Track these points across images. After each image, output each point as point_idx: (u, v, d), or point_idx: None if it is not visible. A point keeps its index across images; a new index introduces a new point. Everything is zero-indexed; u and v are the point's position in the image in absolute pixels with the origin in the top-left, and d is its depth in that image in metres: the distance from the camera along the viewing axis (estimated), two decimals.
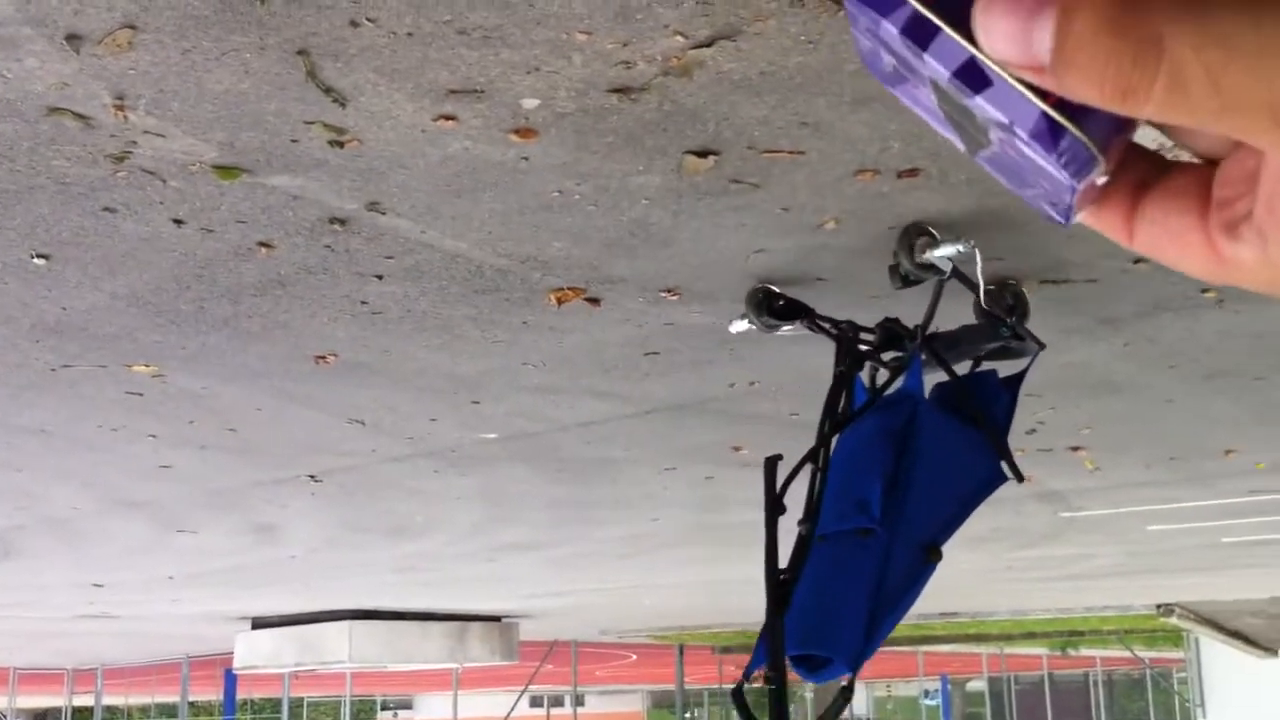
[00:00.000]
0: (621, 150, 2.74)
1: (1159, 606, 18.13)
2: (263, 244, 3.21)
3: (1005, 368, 3.33)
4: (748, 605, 16.17)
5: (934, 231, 3.12)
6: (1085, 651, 30.06)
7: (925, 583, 3.04)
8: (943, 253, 3.10)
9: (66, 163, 2.73)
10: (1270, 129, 0.37)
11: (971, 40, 0.40)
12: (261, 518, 7.54)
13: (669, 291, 3.63)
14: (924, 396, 3.09)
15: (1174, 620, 18.40)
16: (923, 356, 3.16)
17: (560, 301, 3.63)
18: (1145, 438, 5.74)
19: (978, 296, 3.21)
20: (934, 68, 0.41)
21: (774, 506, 2.92)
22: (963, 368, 3.32)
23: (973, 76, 0.40)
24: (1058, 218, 0.45)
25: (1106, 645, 27.43)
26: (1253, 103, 0.37)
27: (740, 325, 3.58)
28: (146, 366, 4.28)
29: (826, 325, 3.30)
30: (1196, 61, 0.37)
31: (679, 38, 2.31)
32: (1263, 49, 0.36)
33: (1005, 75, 0.40)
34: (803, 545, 2.89)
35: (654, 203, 3.00)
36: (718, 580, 12.17)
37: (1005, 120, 0.41)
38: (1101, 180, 0.43)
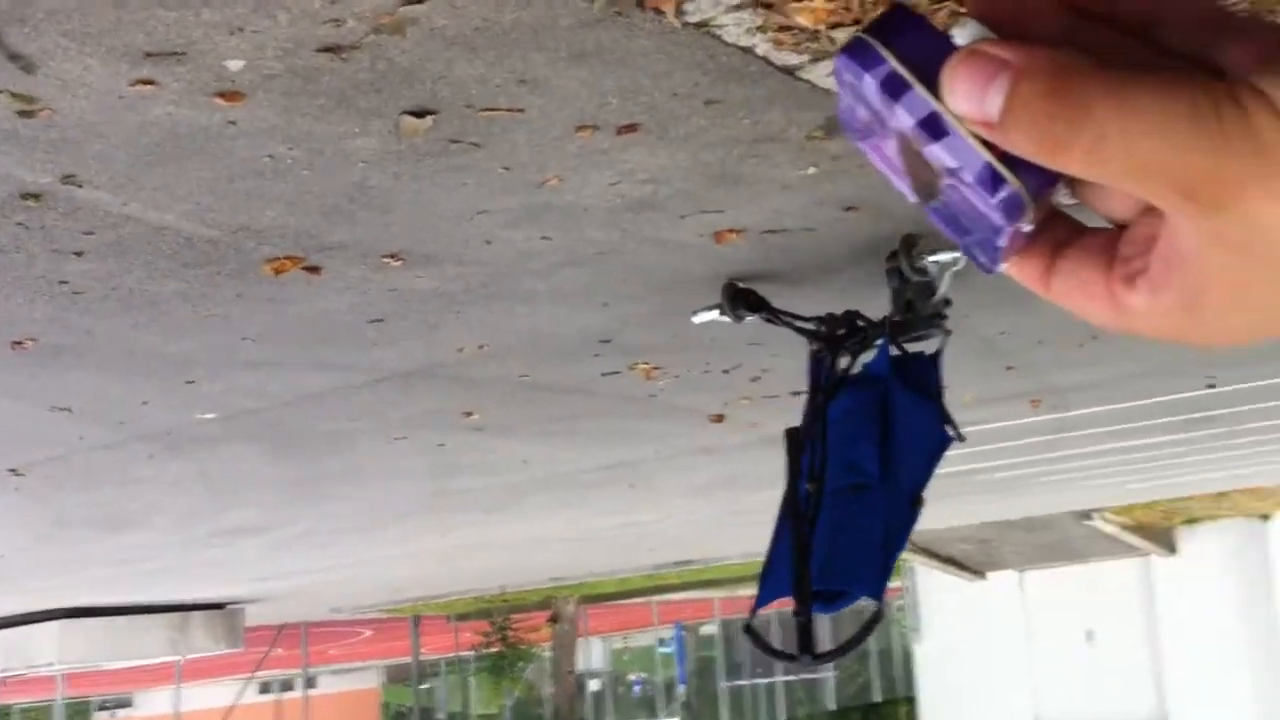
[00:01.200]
0: (335, 112, 2.65)
1: None
2: None
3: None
4: (484, 570, 16.14)
5: (919, 241, 3.80)
6: None
7: (914, 526, 3.75)
8: (938, 259, 3.76)
9: None
10: (1168, 191, 0.44)
11: (936, 96, 0.48)
12: None
13: (392, 257, 3.55)
14: (892, 376, 3.73)
15: None
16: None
17: (277, 272, 3.50)
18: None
19: (944, 293, 3.87)
20: (902, 117, 0.49)
21: (795, 471, 3.59)
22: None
23: (933, 127, 0.48)
24: (987, 264, 0.53)
25: None
26: (1157, 167, 0.44)
27: (707, 315, 4.12)
28: None
29: (788, 318, 3.97)
30: (1116, 127, 0.44)
31: None
32: (1168, 123, 0.43)
33: (960, 128, 0.48)
34: (814, 501, 3.52)
35: (372, 166, 2.92)
36: (454, 547, 12.11)
37: (955, 166, 0.48)
38: (1028, 229, 0.50)
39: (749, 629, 3.78)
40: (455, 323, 4.26)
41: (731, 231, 3.65)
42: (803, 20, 2.56)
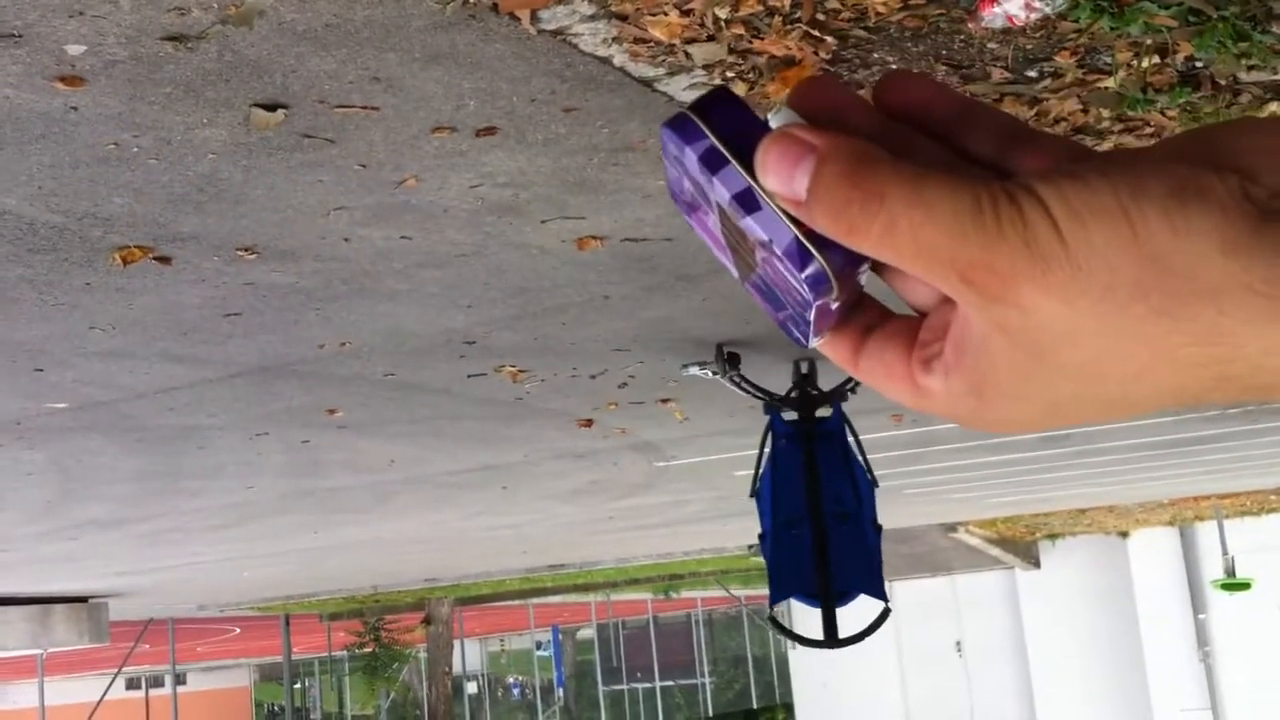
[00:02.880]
0: (182, 101, 2.59)
1: (750, 546, 19.24)
2: None
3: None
4: (355, 570, 15.95)
5: None
6: (686, 594, 31.56)
7: (881, 543, 5.01)
8: None
9: None
10: (951, 278, 0.47)
11: (751, 173, 0.50)
12: None
13: (246, 250, 3.49)
14: (845, 432, 5.04)
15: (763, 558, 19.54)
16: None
17: (126, 261, 3.42)
18: (709, 387, 6.03)
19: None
20: (720, 191, 0.51)
21: (818, 498, 4.84)
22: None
23: (748, 201, 0.51)
24: (801, 339, 0.56)
25: (706, 586, 28.88)
26: (941, 254, 0.47)
27: (696, 370, 5.26)
28: None
29: (753, 386, 5.12)
30: (905, 215, 0.47)
31: None
32: (952, 215, 0.46)
33: (772, 204, 0.50)
34: (824, 522, 4.82)
35: (222, 157, 2.87)
36: (321, 547, 11.94)
37: (767, 239, 0.51)
38: (834, 305, 0.53)
39: (773, 619, 5.35)
40: (315, 319, 4.21)
41: (593, 238, 3.65)
42: (658, 33, 2.57)
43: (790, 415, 5.14)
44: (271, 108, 2.67)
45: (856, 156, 0.48)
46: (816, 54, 2.65)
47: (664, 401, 6.26)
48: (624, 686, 35.38)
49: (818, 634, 4.85)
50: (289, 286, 3.83)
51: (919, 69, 2.81)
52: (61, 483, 6.88)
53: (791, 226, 0.50)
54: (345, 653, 27.46)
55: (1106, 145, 3.27)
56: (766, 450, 5.12)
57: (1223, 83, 2.84)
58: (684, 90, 2.79)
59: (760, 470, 5.15)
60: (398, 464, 7.39)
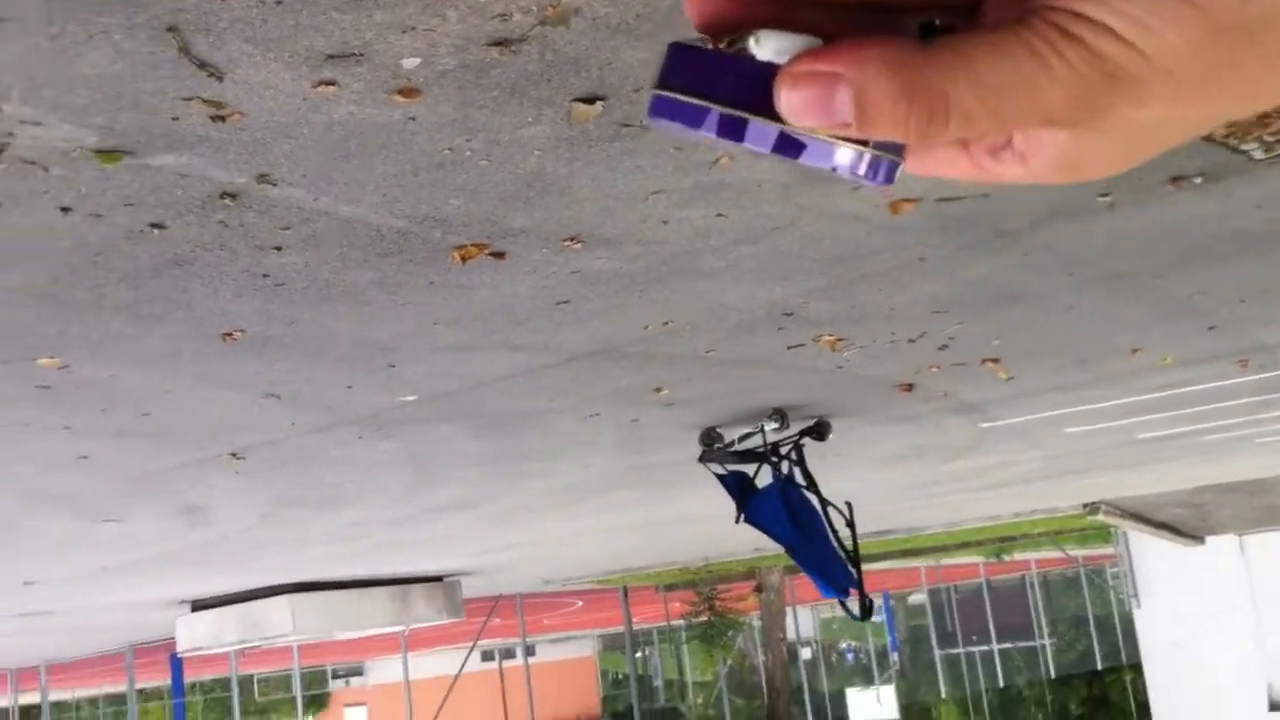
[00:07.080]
0: (508, 103, 2.73)
1: (1086, 505, 18.54)
2: (155, 225, 3.17)
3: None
4: (684, 543, 16.30)
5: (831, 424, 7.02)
6: (1019, 555, 30.71)
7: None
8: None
9: None
10: (1045, 124, 0.46)
11: (776, 120, 0.47)
12: (188, 500, 7.47)
13: (572, 240, 3.64)
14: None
15: (1101, 517, 18.83)
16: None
17: (464, 259, 3.63)
18: (1053, 343, 5.85)
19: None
20: (754, 147, 0.48)
21: (852, 523, 6.75)
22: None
23: (788, 145, 0.47)
24: (878, 180, 0.53)
25: (1040, 548, 28.02)
26: (1026, 113, 0.45)
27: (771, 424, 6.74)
28: (51, 359, 4.21)
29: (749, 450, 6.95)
30: (978, 103, 0.45)
31: None
32: (1020, 77, 0.44)
33: (816, 136, 0.47)
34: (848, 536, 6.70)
35: (546, 153, 3.01)
36: (654, 521, 12.27)
37: (831, 168, 0.49)
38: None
39: (843, 603, 6.91)
40: (639, 301, 4.34)
41: (906, 201, 3.62)
42: None
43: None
44: (590, 101, 2.78)
45: (891, 67, 0.45)
46: None
47: (992, 361, 6.12)
48: (959, 650, 34.78)
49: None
50: (613, 272, 3.97)
51: None
52: (416, 470, 7.35)
53: (845, 146, 0.48)
54: (682, 622, 28.13)
55: None
56: (764, 487, 6.82)
57: None
58: None
59: (749, 504, 6.95)
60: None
